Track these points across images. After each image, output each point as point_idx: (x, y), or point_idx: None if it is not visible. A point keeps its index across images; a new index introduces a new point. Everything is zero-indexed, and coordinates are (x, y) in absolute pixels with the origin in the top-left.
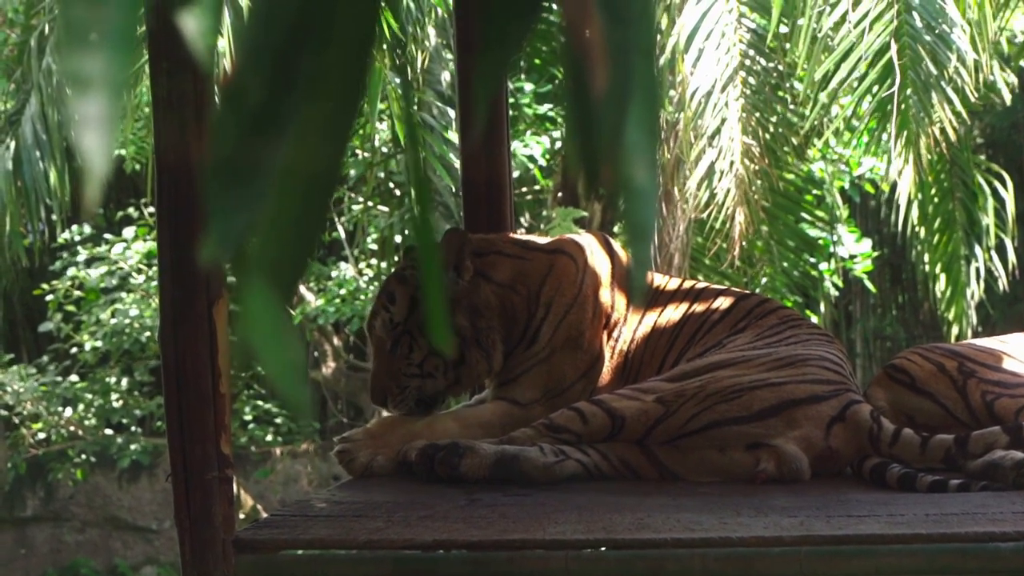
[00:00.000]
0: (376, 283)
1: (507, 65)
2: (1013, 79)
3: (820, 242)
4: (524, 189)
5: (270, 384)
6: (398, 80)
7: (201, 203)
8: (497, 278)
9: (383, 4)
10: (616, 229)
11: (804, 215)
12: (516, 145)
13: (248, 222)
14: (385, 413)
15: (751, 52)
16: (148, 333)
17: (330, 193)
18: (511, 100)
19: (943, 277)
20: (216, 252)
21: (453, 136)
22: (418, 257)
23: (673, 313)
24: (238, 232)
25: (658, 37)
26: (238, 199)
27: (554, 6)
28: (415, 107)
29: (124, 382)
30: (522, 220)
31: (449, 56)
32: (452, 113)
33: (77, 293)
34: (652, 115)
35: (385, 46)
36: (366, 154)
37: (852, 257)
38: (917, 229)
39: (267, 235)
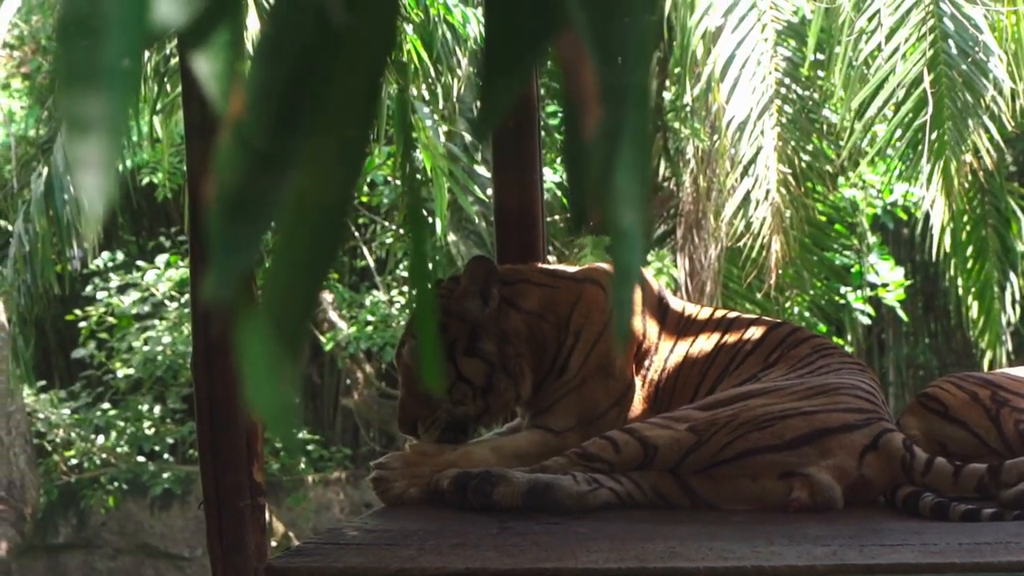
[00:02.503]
0: (407, 311)
1: (510, 102)
2: None
3: (852, 269)
4: (556, 216)
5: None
6: (427, 109)
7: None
8: (525, 306)
9: (397, 37)
10: (648, 257)
11: (834, 244)
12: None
13: (250, 261)
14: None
15: (787, 80)
16: (181, 361)
17: (338, 233)
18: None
19: (976, 304)
20: (216, 290)
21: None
22: (414, 297)
23: (705, 343)
24: (239, 271)
25: (694, 66)
26: (241, 237)
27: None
28: (414, 149)
29: (156, 409)
30: (552, 248)
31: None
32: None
33: (110, 320)
34: (643, 159)
35: (411, 74)
36: (397, 181)
37: (884, 285)
38: (950, 256)
39: (271, 278)
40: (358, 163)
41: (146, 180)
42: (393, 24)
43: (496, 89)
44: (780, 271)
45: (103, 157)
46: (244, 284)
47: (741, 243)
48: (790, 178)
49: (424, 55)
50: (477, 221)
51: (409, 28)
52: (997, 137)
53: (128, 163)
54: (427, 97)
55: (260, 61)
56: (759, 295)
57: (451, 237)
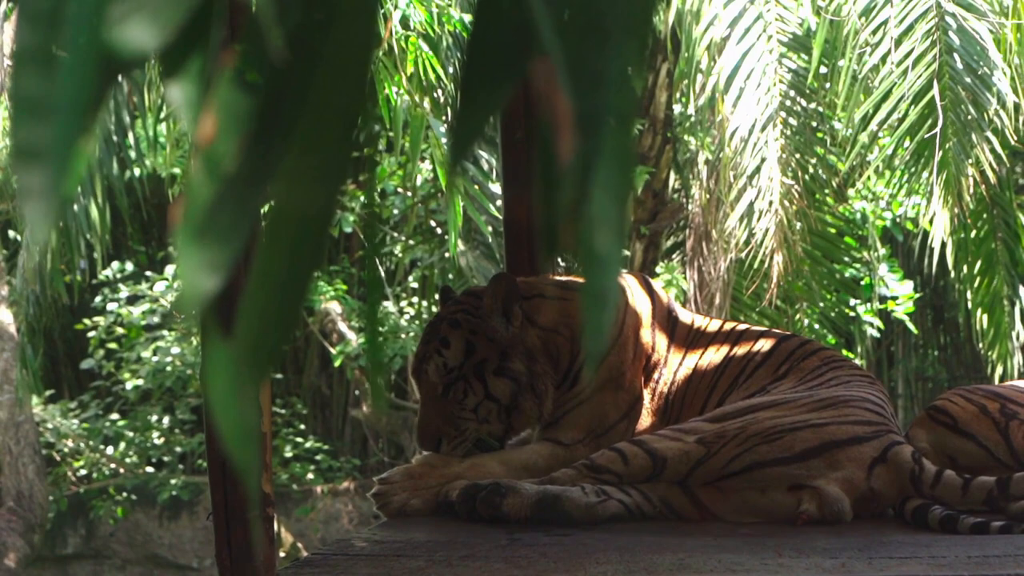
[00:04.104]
0: (417, 322)
1: (484, 126)
2: None
3: (862, 282)
4: None
5: (222, 441)
6: (443, 128)
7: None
8: (541, 321)
9: (372, 65)
10: (658, 269)
11: (843, 256)
12: None
13: (216, 283)
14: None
15: (791, 92)
16: (190, 371)
17: (316, 255)
18: None
19: (985, 317)
20: (184, 308)
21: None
22: (365, 336)
23: (714, 355)
24: (205, 292)
25: (698, 76)
26: (207, 259)
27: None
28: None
29: (165, 420)
30: (562, 261)
31: None
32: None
33: (119, 330)
34: (622, 182)
35: (416, 83)
36: (408, 192)
37: (894, 298)
38: (959, 269)
39: (248, 299)
40: (335, 186)
41: (165, 173)
42: (369, 48)
43: (471, 113)
44: (784, 284)
45: (48, 187)
46: (210, 305)
47: (743, 254)
48: (794, 190)
49: (440, 71)
50: (490, 238)
51: (423, 44)
52: (1000, 151)
53: (136, 172)
54: (431, 107)
55: (233, 85)
56: (765, 305)
57: (459, 247)
